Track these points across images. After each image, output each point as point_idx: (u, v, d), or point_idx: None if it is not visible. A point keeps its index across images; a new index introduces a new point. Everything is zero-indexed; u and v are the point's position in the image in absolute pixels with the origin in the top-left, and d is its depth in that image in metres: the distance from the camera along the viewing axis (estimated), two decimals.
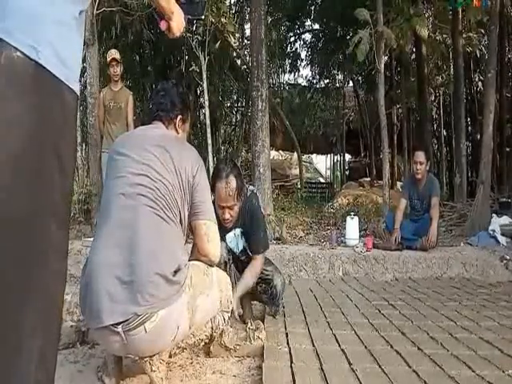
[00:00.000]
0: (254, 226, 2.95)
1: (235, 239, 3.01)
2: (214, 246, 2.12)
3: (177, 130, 2.24)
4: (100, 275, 1.83)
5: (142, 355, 1.91)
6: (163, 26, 1.80)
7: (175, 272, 1.89)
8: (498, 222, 5.98)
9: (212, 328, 2.14)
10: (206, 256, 2.13)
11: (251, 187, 3.09)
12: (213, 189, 2.77)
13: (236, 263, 3.10)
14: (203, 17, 2.09)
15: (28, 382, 0.99)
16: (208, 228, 2.10)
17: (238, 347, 2.49)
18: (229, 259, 2.98)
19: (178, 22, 1.77)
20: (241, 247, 3.05)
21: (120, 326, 1.78)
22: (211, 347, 2.47)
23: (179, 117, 2.23)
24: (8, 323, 0.96)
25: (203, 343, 2.16)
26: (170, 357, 2.12)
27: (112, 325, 1.78)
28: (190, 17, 1.93)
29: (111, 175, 2.05)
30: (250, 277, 2.87)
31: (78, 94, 1.10)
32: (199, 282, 2.01)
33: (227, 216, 2.80)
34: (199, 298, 1.97)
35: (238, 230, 3.00)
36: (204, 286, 2.03)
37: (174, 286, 1.87)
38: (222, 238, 2.96)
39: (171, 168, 2.00)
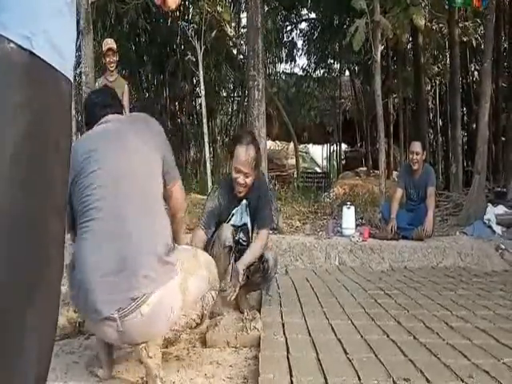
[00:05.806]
0: (263, 202, 2.99)
1: (240, 210, 3.03)
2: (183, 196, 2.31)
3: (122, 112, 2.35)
4: (93, 268, 1.85)
5: (138, 341, 1.91)
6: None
7: (168, 252, 1.95)
8: (493, 212, 5.97)
9: (202, 306, 2.15)
10: (182, 205, 2.30)
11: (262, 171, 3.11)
12: (232, 154, 2.87)
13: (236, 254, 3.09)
14: None
15: (30, 380, 0.99)
16: (181, 188, 2.25)
17: (234, 337, 2.49)
18: (233, 245, 2.97)
19: None
20: (244, 221, 3.05)
21: (116, 312, 1.80)
22: (207, 336, 2.48)
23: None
24: (12, 321, 0.95)
25: (195, 323, 2.16)
26: (167, 347, 2.12)
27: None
28: None
29: (86, 171, 1.97)
30: (257, 247, 2.90)
31: (72, 82, 1.09)
32: (189, 265, 2.05)
33: (242, 181, 2.84)
34: (190, 279, 2.01)
35: (243, 202, 3.01)
36: (193, 267, 2.07)
37: (167, 267, 1.91)
38: (228, 220, 2.97)
39: (141, 146, 2.05)
